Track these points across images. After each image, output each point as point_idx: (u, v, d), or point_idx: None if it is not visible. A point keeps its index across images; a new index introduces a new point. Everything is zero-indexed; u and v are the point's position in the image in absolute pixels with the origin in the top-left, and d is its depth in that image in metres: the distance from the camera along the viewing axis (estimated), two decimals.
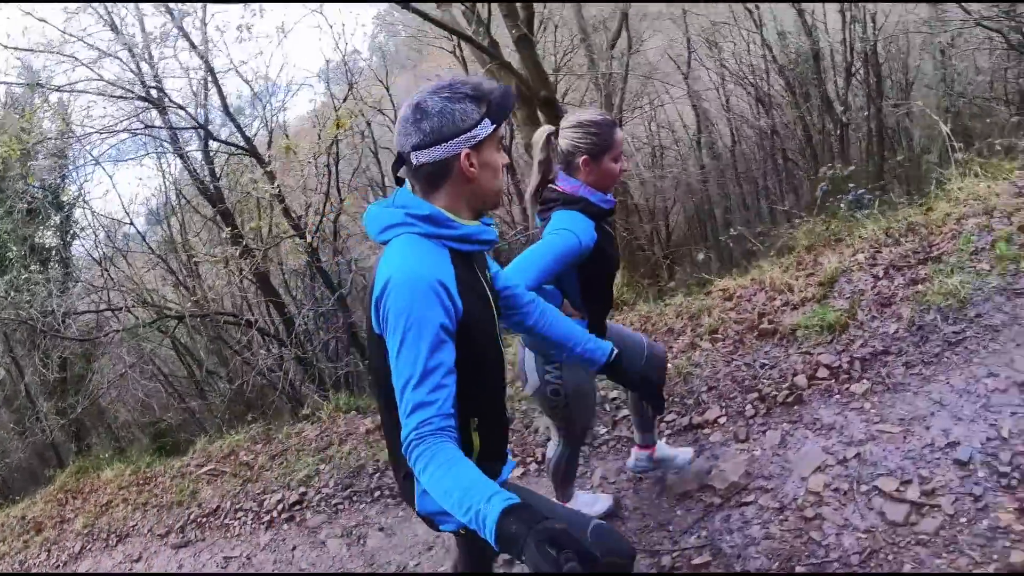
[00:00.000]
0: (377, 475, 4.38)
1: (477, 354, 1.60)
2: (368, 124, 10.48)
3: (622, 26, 9.94)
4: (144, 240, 9.92)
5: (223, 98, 8.10)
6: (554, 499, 2.95)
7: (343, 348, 8.73)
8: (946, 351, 3.27)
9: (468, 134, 1.53)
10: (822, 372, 3.45)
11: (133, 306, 8.31)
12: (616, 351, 2.02)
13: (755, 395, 3.54)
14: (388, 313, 1.48)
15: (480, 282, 1.66)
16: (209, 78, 8.00)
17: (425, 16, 6.27)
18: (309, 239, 7.85)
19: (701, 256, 8.57)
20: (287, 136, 11.07)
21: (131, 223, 9.77)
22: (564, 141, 2.29)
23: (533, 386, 2.49)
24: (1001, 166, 4.95)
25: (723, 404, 3.61)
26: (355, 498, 4.28)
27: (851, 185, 5.85)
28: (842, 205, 5.58)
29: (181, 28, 7.82)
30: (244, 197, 7.90)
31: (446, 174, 1.56)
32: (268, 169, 7.42)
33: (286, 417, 6.92)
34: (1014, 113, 9.42)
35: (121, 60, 8.21)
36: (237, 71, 8.16)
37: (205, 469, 5.59)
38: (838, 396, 3.30)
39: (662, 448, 3.13)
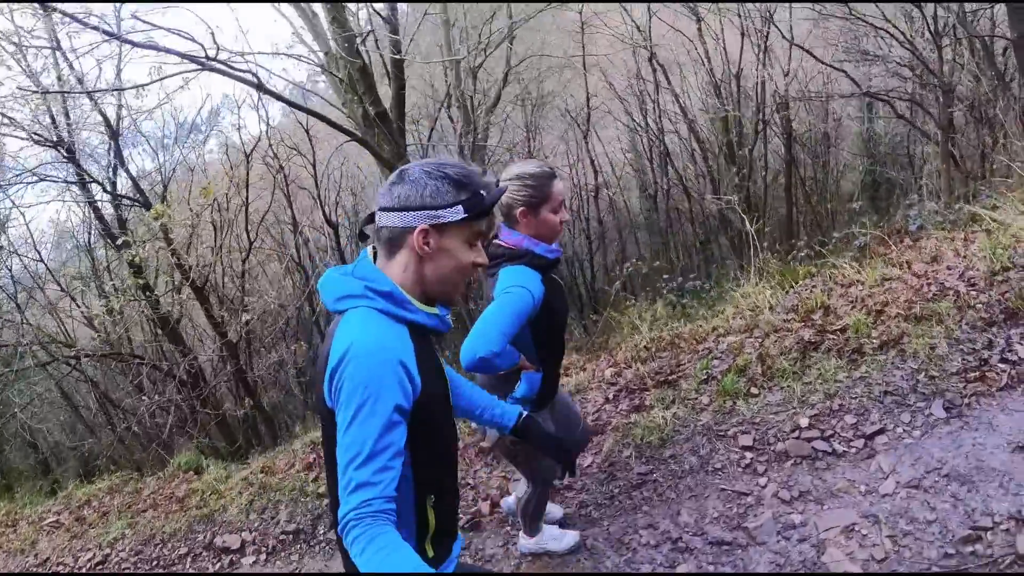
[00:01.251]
0: (160, 546, 4.62)
1: (434, 430, 1.59)
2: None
3: (500, 94, 10.21)
4: (54, 276, 10.15)
5: (119, 151, 8.36)
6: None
7: (236, 394, 8.97)
8: (623, 494, 3.50)
9: (431, 211, 1.50)
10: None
11: (31, 344, 8.54)
12: (524, 415, 2.02)
13: None
14: (343, 383, 1.43)
15: (437, 360, 1.65)
16: (107, 132, 8.25)
17: (278, 97, 6.47)
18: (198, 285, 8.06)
19: None
20: (205, 173, 11.38)
21: (41, 260, 9.98)
22: (504, 195, 2.28)
23: (492, 438, 2.52)
24: (795, 271, 5.16)
25: None
26: (142, 568, 4.52)
27: (666, 277, 6.09)
28: (667, 294, 5.83)
29: (80, 80, 8.06)
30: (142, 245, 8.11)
31: (400, 244, 1.55)
32: (161, 221, 7.62)
33: (151, 468, 7.16)
34: (857, 199, 9.71)
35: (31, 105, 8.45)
36: (134, 121, 8.39)
37: (48, 521, 5.80)
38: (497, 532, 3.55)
39: (546, 532, 3.20)
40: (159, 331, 9.12)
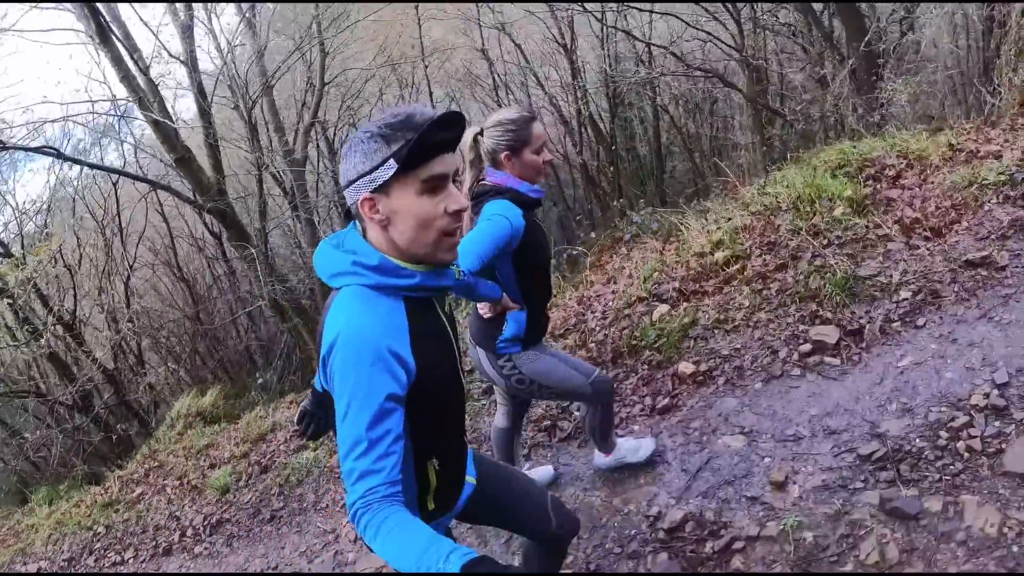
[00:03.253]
0: None
1: (434, 404, 1.56)
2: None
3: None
4: None
5: None
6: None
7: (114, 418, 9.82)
8: (259, 526, 4.31)
9: (367, 177, 1.41)
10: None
11: None
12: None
13: None
14: (334, 374, 1.42)
15: (439, 323, 1.60)
16: None
17: (76, 161, 7.10)
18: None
19: None
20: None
21: None
22: (487, 140, 2.41)
23: (501, 384, 2.64)
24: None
25: None
26: None
27: None
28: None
29: None
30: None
31: (362, 220, 1.48)
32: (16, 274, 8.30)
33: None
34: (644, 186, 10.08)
35: None
36: None
37: None
38: None
39: (620, 447, 3.21)
40: (42, 364, 9.97)
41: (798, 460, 2.90)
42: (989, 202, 4.26)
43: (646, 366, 3.93)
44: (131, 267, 10.83)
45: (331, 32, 8.98)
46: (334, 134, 12.32)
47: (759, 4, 9.54)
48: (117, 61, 7.00)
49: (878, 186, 4.94)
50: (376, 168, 1.40)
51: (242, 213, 9.41)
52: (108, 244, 10.60)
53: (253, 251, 7.15)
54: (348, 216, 1.58)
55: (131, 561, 4.94)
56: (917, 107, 7.00)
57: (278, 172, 9.57)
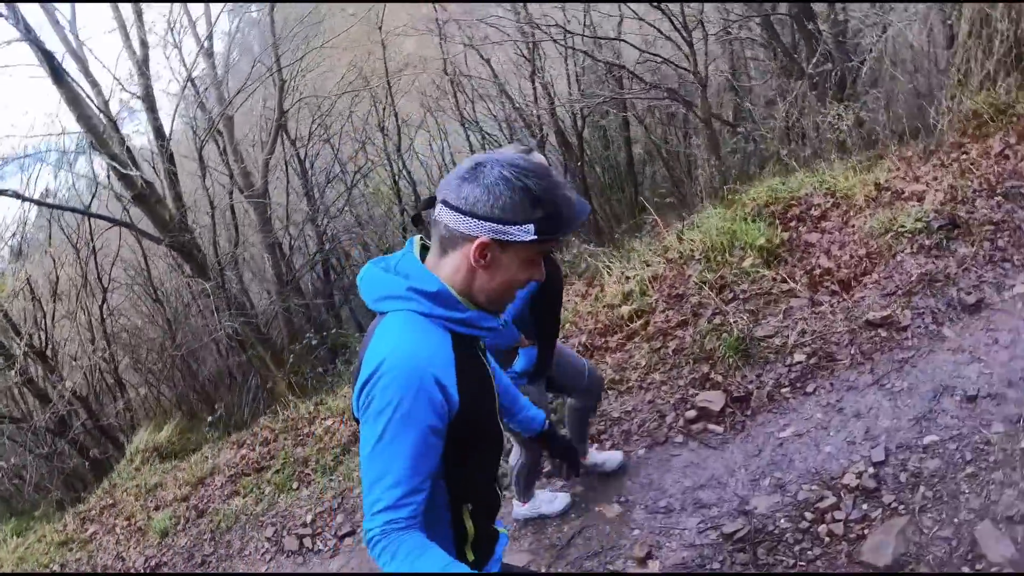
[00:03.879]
0: None
1: (473, 445, 1.52)
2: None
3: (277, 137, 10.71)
4: None
5: None
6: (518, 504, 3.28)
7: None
8: (194, 569, 4.49)
9: (499, 226, 1.36)
10: None
11: None
12: (548, 422, 2.08)
13: None
14: (373, 400, 1.37)
15: (481, 363, 1.58)
16: None
17: (37, 203, 7.21)
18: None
19: None
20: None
21: None
22: None
23: None
24: None
25: None
26: None
27: None
28: None
29: None
30: None
31: (456, 247, 1.41)
32: None
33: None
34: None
35: None
36: None
37: None
38: None
39: (592, 455, 3.43)
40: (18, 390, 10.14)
41: (665, 534, 2.97)
42: (902, 252, 4.21)
43: None
44: (105, 289, 10.93)
45: (288, 59, 9.02)
46: (305, 153, 12.37)
47: (723, 16, 9.55)
48: (73, 101, 7.09)
49: (801, 228, 4.98)
50: (515, 224, 1.36)
51: (208, 244, 9.51)
52: (83, 265, 10.75)
53: (207, 287, 7.26)
54: (417, 220, 1.56)
55: None
56: (863, 131, 7.01)
57: (241, 203, 9.65)
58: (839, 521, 2.68)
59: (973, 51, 8.10)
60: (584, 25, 10.78)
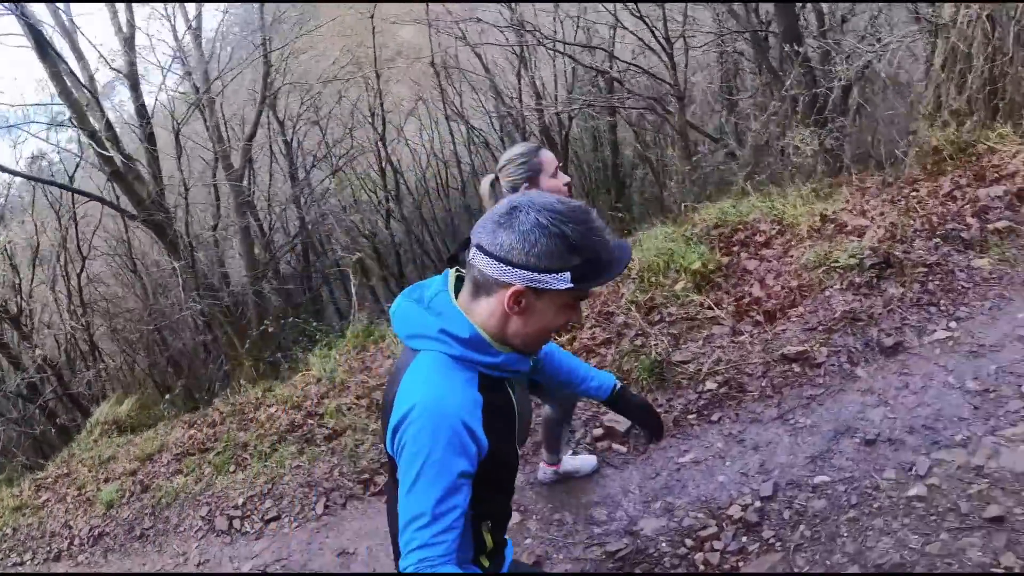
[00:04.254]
0: None
1: (497, 476, 1.58)
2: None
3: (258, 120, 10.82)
4: None
5: None
6: None
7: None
8: (133, 541, 4.74)
9: (534, 274, 1.37)
10: None
11: None
12: (619, 384, 2.05)
13: None
14: (405, 445, 1.42)
15: (508, 400, 1.59)
16: None
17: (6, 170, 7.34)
18: None
19: None
20: None
21: None
22: (504, 181, 2.48)
23: None
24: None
25: None
26: None
27: None
28: None
29: None
30: None
31: (490, 292, 1.42)
32: None
33: None
34: None
35: None
36: None
37: None
38: None
39: (566, 462, 3.45)
40: None
41: (554, 546, 3.13)
42: (832, 287, 4.25)
43: None
44: (85, 257, 11.06)
45: (279, 42, 9.12)
46: (292, 135, 12.47)
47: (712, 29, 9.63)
48: (55, 76, 7.18)
49: (743, 253, 5.10)
50: (550, 273, 1.37)
51: (193, 222, 9.63)
52: (64, 233, 10.87)
53: (176, 266, 7.40)
54: (452, 261, 1.57)
55: (28, 564, 5.30)
56: (829, 157, 7.12)
57: (218, 184, 9.76)
58: (716, 551, 2.79)
59: (945, 85, 8.17)
60: (577, 27, 10.88)
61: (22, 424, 9.65)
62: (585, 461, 3.48)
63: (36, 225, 10.94)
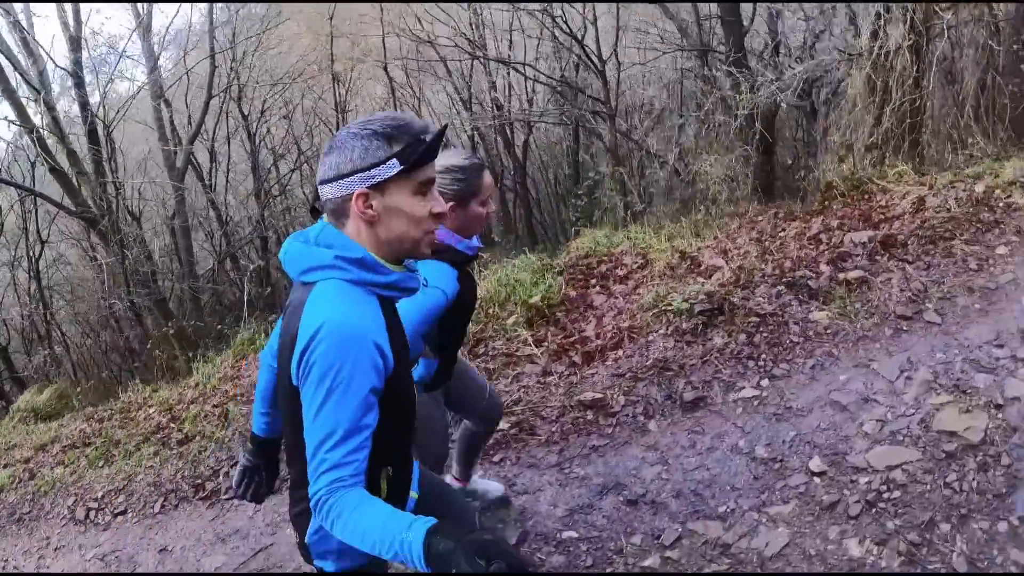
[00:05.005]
0: None
1: (400, 401, 1.62)
2: None
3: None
4: None
5: None
6: None
7: None
8: (12, 524, 5.25)
9: (365, 173, 1.47)
10: None
11: None
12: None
13: None
14: (313, 365, 1.44)
15: (400, 326, 1.66)
16: None
17: None
18: None
19: None
20: None
21: None
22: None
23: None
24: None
25: None
26: None
27: None
28: None
29: None
30: None
31: (346, 212, 1.51)
32: None
33: None
34: None
35: None
36: None
37: None
38: None
39: (475, 482, 3.34)
40: None
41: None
42: (657, 332, 4.27)
43: None
44: (44, 242, 11.65)
45: (241, 38, 9.56)
46: (256, 127, 12.95)
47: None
48: None
49: (598, 287, 5.37)
50: (377, 165, 1.47)
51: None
52: (25, 215, 11.43)
53: (104, 262, 7.90)
54: (314, 212, 1.63)
55: None
56: (734, 186, 7.37)
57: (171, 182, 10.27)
58: None
59: (861, 117, 8.29)
60: (535, 38, 11.22)
61: None
62: (493, 486, 3.39)
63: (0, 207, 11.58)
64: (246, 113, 13.01)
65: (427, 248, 1.59)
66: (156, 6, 10.32)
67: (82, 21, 8.44)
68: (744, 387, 3.71)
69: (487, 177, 2.40)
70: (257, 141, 13.01)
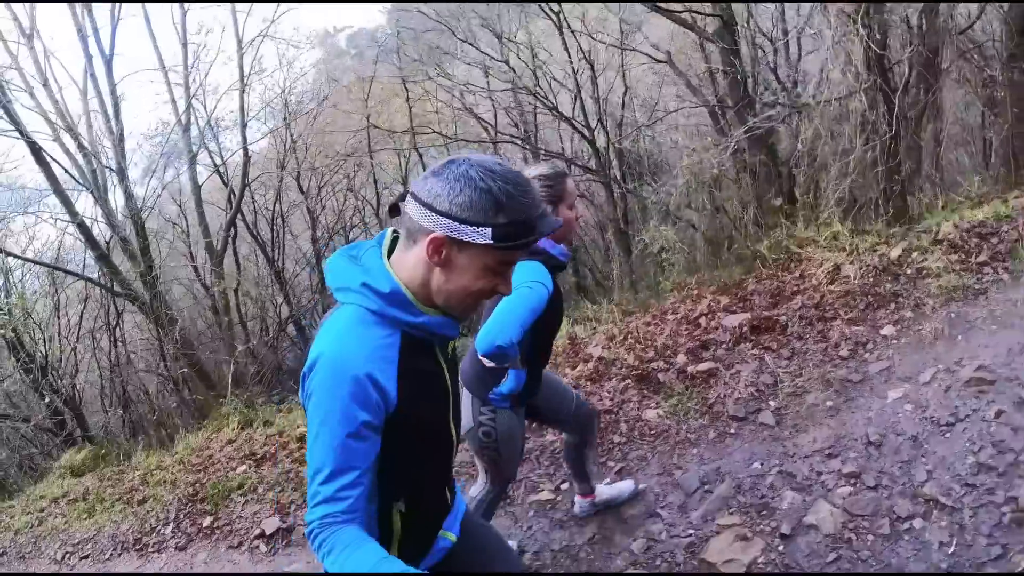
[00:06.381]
0: None
1: (416, 440, 1.62)
2: None
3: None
4: None
5: None
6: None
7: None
8: None
9: (455, 223, 1.43)
10: None
11: None
12: None
13: None
14: (311, 394, 1.49)
15: (434, 366, 1.65)
16: None
17: None
18: None
19: None
20: None
21: None
22: None
23: (466, 426, 2.68)
24: None
25: None
26: None
27: None
28: None
29: None
30: None
31: (416, 240, 1.50)
32: None
33: None
34: None
35: None
36: None
37: None
38: None
39: (602, 491, 3.46)
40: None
41: None
42: None
43: None
44: (120, 312, 13.57)
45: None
46: (308, 183, 14.70)
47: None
48: (50, 178, 9.51)
49: None
50: (470, 225, 1.42)
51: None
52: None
53: (158, 342, 9.21)
54: (393, 211, 1.58)
55: None
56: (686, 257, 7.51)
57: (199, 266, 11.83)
58: None
59: (798, 177, 7.93)
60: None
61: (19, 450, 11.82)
62: (621, 487, 3.49)
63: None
64: (304, 189, 14.91)
65: (465, 313, 1.60)
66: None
67: (123, 123, 10.23)
68: (544, 489, 3.80)
69: (570, 183, 2.56)
70: (316, 215, 14.74)
